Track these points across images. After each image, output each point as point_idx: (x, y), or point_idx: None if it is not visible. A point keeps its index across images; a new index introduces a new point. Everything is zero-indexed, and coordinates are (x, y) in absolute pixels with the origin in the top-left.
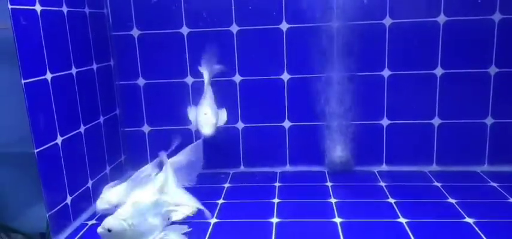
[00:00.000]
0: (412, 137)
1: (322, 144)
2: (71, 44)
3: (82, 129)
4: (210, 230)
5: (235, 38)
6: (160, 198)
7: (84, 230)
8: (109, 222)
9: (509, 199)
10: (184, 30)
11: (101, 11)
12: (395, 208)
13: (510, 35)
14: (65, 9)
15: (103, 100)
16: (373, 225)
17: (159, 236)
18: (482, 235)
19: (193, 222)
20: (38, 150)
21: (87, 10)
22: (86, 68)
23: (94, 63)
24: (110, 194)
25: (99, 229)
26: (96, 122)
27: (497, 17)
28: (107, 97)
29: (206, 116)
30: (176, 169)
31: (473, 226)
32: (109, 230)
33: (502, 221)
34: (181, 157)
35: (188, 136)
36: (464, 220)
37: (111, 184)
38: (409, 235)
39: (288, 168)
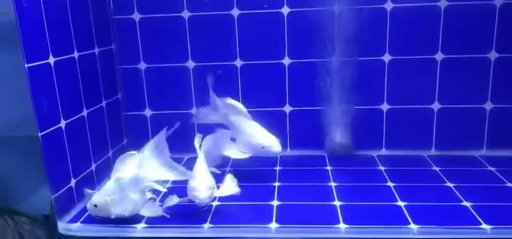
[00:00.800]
0: (411, 121)
1: (322, 129)
2: (73, 28)
3: (85, 113)
4: (212, 211)
5: (236, 22)
6: (138, 174)
7: (88, 213)
8: (95, 198)
9: (506, 183)
10: (186, 14)
11: None
12: (394, 192)
13: (511, 20)
14: None
15: (105, 84)
16: (372, 208)
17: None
18: (479, 219)
19: (192, 205)
20: (41, 134)
21: None
22: (88, 52)
23: (96, 47)
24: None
25: (87, 205)
26: (98, 106)
27: (498, 1)
28: (108, 81)
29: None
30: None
31: (471, 209)
32: (95, 206)
33: (499, 205)
34: (209, 140)
35: (189, 120)
36: (462, 203)
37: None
38: (407, 218)
39: (289, 152)
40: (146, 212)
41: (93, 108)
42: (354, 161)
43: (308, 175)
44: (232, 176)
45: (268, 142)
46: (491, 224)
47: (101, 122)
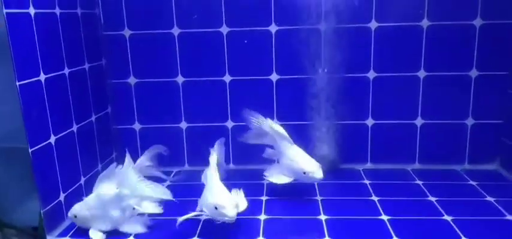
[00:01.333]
0: (395, 136)
1: (309, 143)
2: (64, 45)
3: (74, 128)
4: (199, 226)
5: (225, 39)
6: (121, 191)
7: (77, 227)
8: (75, 208)
9: (486, 197)
10: (175, 31)
11: (92, 11)
12: (378, 206)
13: (490, 39)
14: (57, 11)
15: (95, 99)
16: (356, 222)
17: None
18: (459, 232)
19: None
20: (32, 149)
21: (79, 11)
22: (78, 68)
23: (86, 63)
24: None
25: (69, 213)
26: (88, 120)
27: (478, 22)
28: (98, 96)
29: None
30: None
31: (451, 223)
32: (75, 216)
33: (479, 219)
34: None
35: (178, 134)
36: (443, 217)
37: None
38: (390, 232)
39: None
40: (128, 228)
41: (82, 123)
42: (339, 175)
43: (295, 189)
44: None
45: (310, 167)
46: (470, 238)
47: (90, 136)
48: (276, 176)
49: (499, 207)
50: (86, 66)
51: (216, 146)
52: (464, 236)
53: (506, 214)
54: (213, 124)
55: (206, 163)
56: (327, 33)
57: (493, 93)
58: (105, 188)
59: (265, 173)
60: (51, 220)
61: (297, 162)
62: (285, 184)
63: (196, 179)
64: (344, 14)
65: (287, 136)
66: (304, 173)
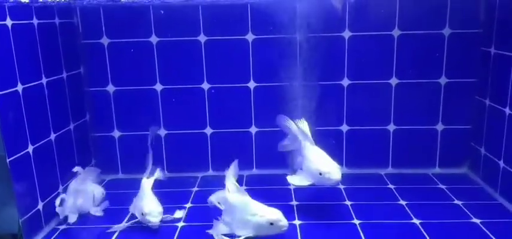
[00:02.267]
0: (369, 142)
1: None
2: (41, 55)
3: (52, 136)
4: (177, 233)
5: (203, 47)
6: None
7: (55, 235)
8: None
9: (454, 200)
10: (154, 39)
11: (70, 20)
12: (351, 210)
13: (459, 47)
14: (35, 21)
15: (73, 107)
16: (329, 226)
17: None
18: (426, 236)
19: (161, 225)
20: (10, 159)
21: (57, 21)
22: (56, 77)
23: (64, 72)
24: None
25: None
26: (66, 129)
27: (447, 31)
28: (76, 104)
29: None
30: None
31: (419, 226)
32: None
33: (446, 222)
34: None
35: (157, 141)
36: (412, 221)
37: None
38: (360, 236)
39: (254, 171)
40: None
41: (61, 132)
42: None
43: (272, 194)
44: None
45: (326, 168)
46: None
47: (69, 144)
48: (294, 178)
49: (466, 210)
50: (64, 75)
51: (231, 167)
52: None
53: (472, 216)
54: (192, 131)
55: (184, 169)
56: (302, 43)
57: (461, 100)
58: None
59: (288, 177)
60: (29, 229)
61: (313, 162)
62: (306, 186)
63: (181, 185)
64: (319, 23)
65: (309, 135)
66: (320, 174)
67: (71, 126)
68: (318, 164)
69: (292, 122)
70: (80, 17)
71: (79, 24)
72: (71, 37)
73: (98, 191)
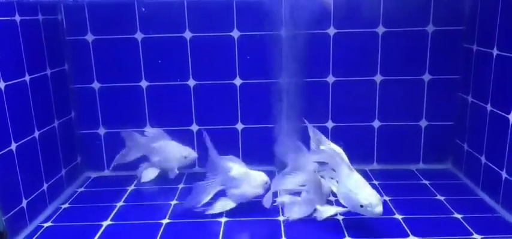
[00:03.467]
0: (354, 138)
1: (272, 145)
2: (24, 52)
3: (36, 134)
4: (161, 230)
5: (188, 44)
6: None
7: (39, 232)
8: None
9: (437, 195)
10: (139, 36)
11: (54, 17)
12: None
13: (442, 44)
14: (17, 18)
15: (57, 104)
16: (313, 222)
17: None
18: (407, 230)
19: (145, 223)
20: None
21: (40, 17)
22: (39, 74)
23: (48, 69)
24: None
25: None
26: (50, 126)
27: (430, 28)
28: (61, 101)
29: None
30: None
31: (401, 222)
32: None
33: (427, 217)
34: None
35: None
36: (394, 216)
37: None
38: (343, 232)
39: None
40: None
41: (45, 129)
42: None
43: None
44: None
45: (368, 200)
46: (418, 236)
47: (53, 142)
48: (327, 209)
49: (448, 205)
50: (48, 72)
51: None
52: (412, 234)
53: (453, 212)
54: (178, 127)
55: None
56: (287, 39)
57: (445, 96)
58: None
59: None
60: (13, 226)
61: (354, 192)
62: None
63: (166, 183)
64: (304, 20)
65: (346, 159)
66: (361, 206)
67: (56, 123)
68: (360, 196)
69: (328, 140)
70: (64, 13)
71: (63, 21)
72: (55, 34)
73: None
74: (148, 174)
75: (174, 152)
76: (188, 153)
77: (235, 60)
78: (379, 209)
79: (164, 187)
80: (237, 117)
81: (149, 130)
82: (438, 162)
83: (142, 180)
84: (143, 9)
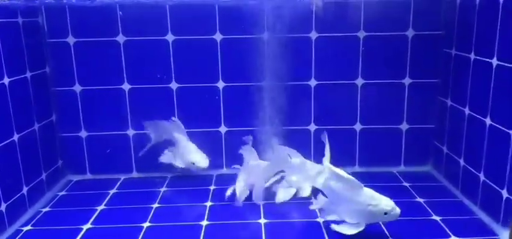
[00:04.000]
0: (336, 140)
1: (255, 147)
2: (3, 55)
3: (16, 137)
4: (142, 233)
5: (171, 47)
6: None
7: (19, 236)
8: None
9: (416, 198)
10: (121, 39)
11: (35, 19)
12: (316, 209)
13: (422, 49)
14: None
15: (38, 107)
16: (294, 225)
17: None
18: (386, 232)
19: (125, 227)
20: None
21: (20, 20)
22: (19, 76)
23: (28, 72)
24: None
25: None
26: (30, 129)
27: (410, 33)
28: (42, 104)
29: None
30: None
31: (381, 224)
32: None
33: (407, 219)
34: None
35: (125, 141)
36: None
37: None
38: (323, 234)
39: (225, 171)
40: None
41: (24, 132)
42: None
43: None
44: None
45: (390, 205)
46: (395, 237)
47: (34, 145)
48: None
49: (427, 207)
50: (28, 74)
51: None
52: (391, 236)
53: (432, 213)
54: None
55: (153, 169)
56: (270, 43)
57: (425, 100)
58: None
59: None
60: None
61: (375, 205)
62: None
63: (149, 186)
64: (286, 24)
65: (354, 179)
66: (386, 213)
67: (36, 126)
68: (382, 205)
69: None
70: (45, 16)
71: (44, 24)
72: (36, 36)
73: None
74: (165, 157)
75: (185, 153)
76: (197, 161)
77: (218, 64)
78: (399, 209)
79: (146, 190)
80: (220, 121)
81: (175, 119)
82: (419, 164)
83: (162, 160)
84: (120, 13)
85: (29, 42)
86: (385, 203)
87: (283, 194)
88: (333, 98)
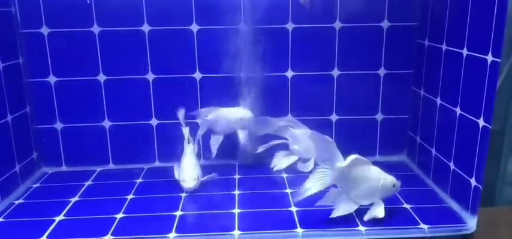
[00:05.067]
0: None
1: (233, 139)
2: None
3: None
4: (115, 224)
5: (147, 37)
6: None
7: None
8: None
9: None
10: (96, 29)
11: (8, 9)
12: (290, 198)
13: (396, 40)
14: None
15: (11, 98)
16: (266, 214)
17: None
18: (357, 221)
19: (98, 218)
20: None
21: None
22: None
23: (0, 63)
24: None
25: None
26: (3, 121)
27: (385, 24)
28: (15, 95)
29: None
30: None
31: (352, 212)
32: None
33: None
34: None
35: (101, 133)
36: None
37: None
38: (295, 222)
39: (202, 162)
40: None
41: None
42: (261, 169)
43: (218, 184)
44: None
45: (394, 178)
46: (366, 226)
47: (6, 137)
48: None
49: (399, 196)
50: (0, 65)
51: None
52: (361, 224)
53: (403, 202)
54: (137, 122)
55: (129, 161)
56: (246, 34)
57: (399, 90)
58: None
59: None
60: None
61: (385, 178)
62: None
63: (125, 178)
64: (263, 15)
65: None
66: (394, 186)
67: (9, 118)
68: (389, 179)
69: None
70: (18, 5)
71: (17, 13)
72: (9, 26)
73: None
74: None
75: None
76: (182, 179)
77: (195, 54)
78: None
79: (122, 182)
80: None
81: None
82: (394, 154)
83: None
84: (88, 1)
85: (1, 32)
86: (391, 176)
87: (281, 161)
88: (309, 89)
